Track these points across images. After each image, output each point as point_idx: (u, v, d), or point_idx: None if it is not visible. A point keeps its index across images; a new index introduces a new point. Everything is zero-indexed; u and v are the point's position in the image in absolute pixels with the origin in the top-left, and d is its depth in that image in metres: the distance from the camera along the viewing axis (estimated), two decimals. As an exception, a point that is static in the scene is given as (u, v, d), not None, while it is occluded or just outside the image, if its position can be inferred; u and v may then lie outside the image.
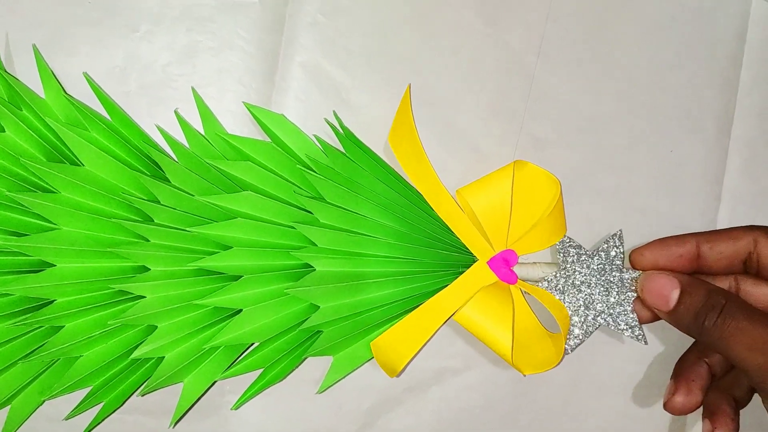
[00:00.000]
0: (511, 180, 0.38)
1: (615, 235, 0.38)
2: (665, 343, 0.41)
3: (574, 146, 0.40)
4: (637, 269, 0.38)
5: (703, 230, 0.39)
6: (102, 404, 0.36)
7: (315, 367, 0.39)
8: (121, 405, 0.36)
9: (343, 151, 0.38)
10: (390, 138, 0.39)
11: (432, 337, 0.38)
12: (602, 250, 0.38)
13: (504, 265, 0.39)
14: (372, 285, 0.37)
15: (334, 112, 0.39)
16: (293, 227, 0.36)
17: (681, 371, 0.37)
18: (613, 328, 0.38)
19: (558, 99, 0.40)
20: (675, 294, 0.35)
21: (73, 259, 0.35)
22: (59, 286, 0.34)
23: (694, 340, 0.38)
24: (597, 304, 0.38)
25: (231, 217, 0.36)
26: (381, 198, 0.38)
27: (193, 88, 0.38)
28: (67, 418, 0.36)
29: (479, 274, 0.38)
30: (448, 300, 0.38)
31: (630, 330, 0.38)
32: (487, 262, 0.39)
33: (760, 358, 0.32)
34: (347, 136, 0.38)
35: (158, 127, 0.36)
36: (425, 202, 0.38)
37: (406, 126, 0.38)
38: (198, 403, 0.39)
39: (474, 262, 0.38)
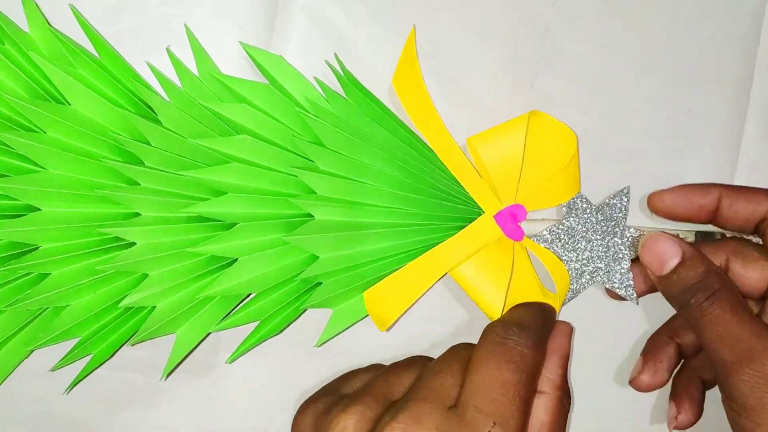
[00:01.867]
0: (525, 131, 0.36)
1: (622, 191, 0.37)
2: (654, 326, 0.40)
3: (586, 107, 0.39)
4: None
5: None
6: (90, 356, 0.34)
7: (313, 327, 0.37)
8: (111, 357, 0.35)
9: (345, 96, 0.36)
10: (394, 81, 0.37)
11: (428, 290, 0.37)
12: (607, 206, 0.37)
13: (511, 219, 0.37)
14: (373, 236, 0.35)
15: (335, 54, 0.37)
16: (292, 174, 0.34)
17: (651, 350, 0.37)
18: (607, 284, 0.37)
19: (572, 56, 0.38)
20: (673, 262, 0.34)
21: (59, 203, 0.33)
22: (45, 230, 0.33)
23: (666, 319, 0.38)
24: (595, 259, 0.37)
25: (226, 161, 0.34)
26: (384, 145, 0.36)
27: (186, 26, 0.36)
28: (53, 370, 0.35)
29: (484, 227, 0.37)
30: (448, 253, 0.36)
31: (624, 289, 0.37)
32: (493, 216, 0.37)
33: (727, 353, 0.31)
34: (349, 80, 0.36)
35: (149, 65, 0.35)
36: (430, 150, 0.37)
37: (410, 70, 0.37)
38: (192, 362, 0.37)
39: (480, 215, 0.37)
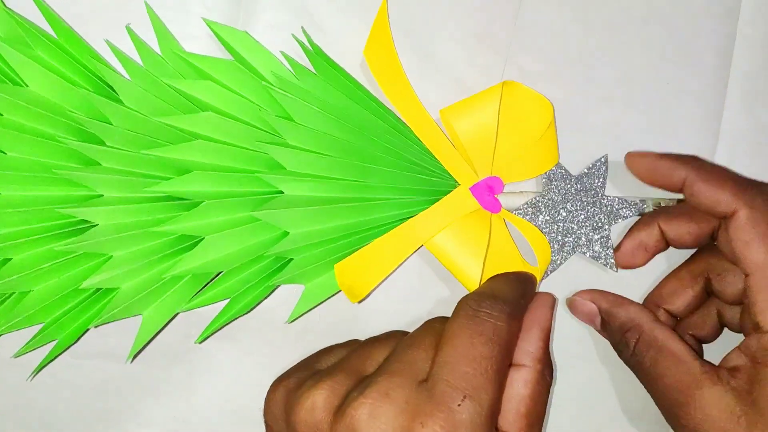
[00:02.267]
0: (499, 102, 0.36)
1: (600, 160, 0.37)
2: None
3: (563, 80, 0.38)
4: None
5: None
6: (55, 342, 0.34)
7: (287, 309, 0.36)
8: (76, 341, 0.34)
9: (313, 71, 0.35)
10: (366, 52, 0.36)
11: (402, 263, 0.36)
12: (586, 175, 0.37)
13: (488, 192, 0.36)
14: (345, 210, 0.34)
15: (302, 28, 0.36)
16: (259, 151, 0.34)
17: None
18: (587, 253, 0.37)
19: (547, 28, 0.38)
20: (597, 320, 0.36)
21: (18, 186, 0.32)
22: (4, 214, 0.32)
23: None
24: (575, 229, 0.37)
25: (190, 139, 0.33)
26: (354, 119, 0.35)
27: (146, 3, 0.35)
28: (16, 356, 0.34)
29: (460, 200, 0.36)
30: (423, 225, 0.35)
31: (604, 258, 0.37)
32: (469, 188, 0.36)
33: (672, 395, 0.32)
34: (317, 54, 0.35)
35: (108, 43, 0.34)
36: (403, 124, 0.36)
37: (383, 41, 0.36)
38: (164, 347, 0.37)
39: (456, 187, 0.36)
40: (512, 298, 0.32)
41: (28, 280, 0.33)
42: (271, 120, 0.34)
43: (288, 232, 0.34)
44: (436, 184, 0.36)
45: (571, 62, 0.38)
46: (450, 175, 0.36)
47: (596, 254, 0.37)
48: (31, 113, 0.32)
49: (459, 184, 0.36)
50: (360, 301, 0.36)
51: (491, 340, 0.29)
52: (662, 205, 0.37)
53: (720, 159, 0.39)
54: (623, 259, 0.37)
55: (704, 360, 0.32)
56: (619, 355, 0.35)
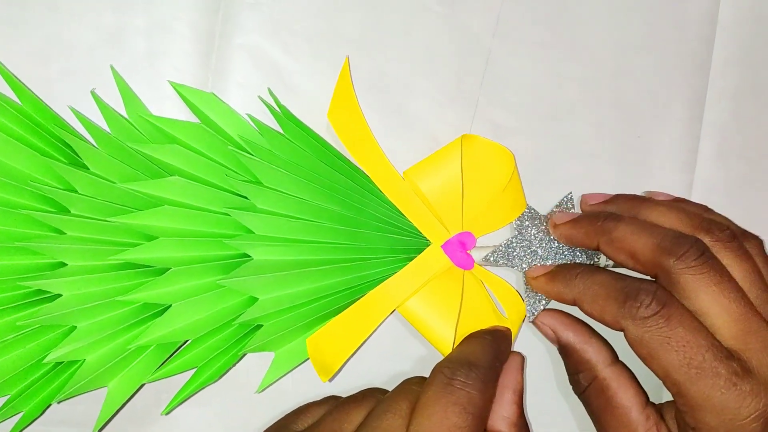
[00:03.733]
0: (460, 156, 0.35)
1: (566, 197, 0.37)
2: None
3: (535, 134, 0.38)
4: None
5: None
6: (21, 414, 0.33)
7: (256, 371, 0.36)
8: (42, 414, 0.33)
9: (281, 132, 0.35)
10: (330, 115, 0.36)
11: (375, 330, 0.36)
12: (554, 213, 0.37)
13: (460, 248, 0.36)
14: (315, 273, 0.34)
15: (269, 89, 0.36)
16: (227, 214, 0.33)
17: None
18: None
19: (518, 84, 0.38)
20: (556, 346, 0.36)
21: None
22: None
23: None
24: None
25: (157, 205, 0.33)
26: (323, 180, 0.35)
27: (112, 67, 0.35)
28: None
29: (432, 258, 0.36)
30: (396, 288, 0.35)
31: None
32: (441, 246, 0.36)
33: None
34: (285, 115, 0.35)
35: (72, 109, 0.33)
36: (372, 183, 0.36)
37: (346, 101, 0.36)
38: (133, 414, 0.36)
39: (427, 246, 0.36)
40: (486, 362, 0.32)
41: None
42: (239, 185, 0.33)
43: (257, 298, 0.33)
44: (408, 243, 0.36)
45: (542, 117, 0.38)
46: (422, 234, 0.36)
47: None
48: (-7, 182, 0.32)
49: (431, 243, 0.36)
50: (331, 379, 0.35)
51: (465, 410, 0.29)
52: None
53: (694, 211, 0.39)
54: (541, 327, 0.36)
55: (652, 410, 0.33)
56: (571, 386, 0.35)
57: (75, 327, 0.32)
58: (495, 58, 0.37)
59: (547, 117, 0.38)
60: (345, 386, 0.37)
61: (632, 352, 0.32)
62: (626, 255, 0.33)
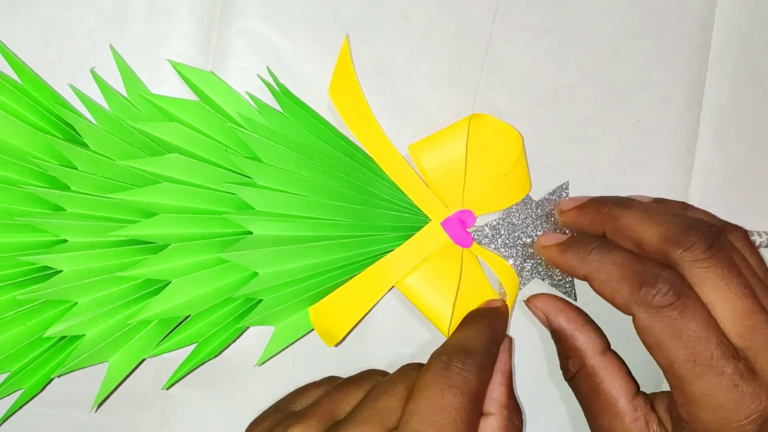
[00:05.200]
0: (467, 134, 0.36)
1: (562, 186, 0.37)
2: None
3: (534, 118, 0.38)
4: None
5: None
6: (21, 391, 0.33)
7: (256, 352, 0.36)
8: (41, 390, 0.33)
9: (280, 110, 0.35)
10: (330, 92, 0.36)
11: (376, 304, 0.36)
12: (547, 201, 0.37)
13: (459, 225, 0.36)
14: (315, 249, 0.34)
15: (267, 68, 0.36)
16: (227, 191, 0.33)
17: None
18: (546, 280, 0.37)
19: (517, 68, 0.38)
20: (548, 330, 0.36)
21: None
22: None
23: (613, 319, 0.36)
24: (535, 254, 0.37)
25: (156, 182, 0.33)
26: (323, 157, 0.35)
27: (111, 47, 0.35)
28: None
29: (432, 235, 0.36)
30: (395, 263, 0.35)
31: (563, 285, 0.37)
32: (441, 223, 0.36)
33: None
34: (284, 93, 0.35)
35: (72, 87, 0.34)
36: (372, 161, 0.36)
37: (346, 79, 0.36)
38: (133, 394, 0.36)
39: (427, 223, 0.36)
40: (482, 347, 0.32)
41: None
42: (239, 161, 0.34)
43: (257, 273, 0.34)
44: (408, 220, 0.36)
45: (542, 101, 0.38)
46: (421, 211, 0.36)
47: (555, 281, 0.37)
48: (-7, 159, 0.32)
49: (430, 220, 0.36)
50: (337, 344, 0.35)
51: (461, 392, 0.29)
52: None
53: (693, 195, 0.39)
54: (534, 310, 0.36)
55: (641, 401, 0.33)
56: (562, 371, 0.35)
57: (75, 303, 0.32)
58: (494, 43, 0.38)
59: (546, 101, 0.38)
60: (346, 370, 0.37)
61: (627, 340, 0.32)
62: (633, 244, 0.33)
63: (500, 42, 0.38)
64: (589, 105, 0.38)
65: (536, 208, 0.37)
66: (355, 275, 0.35)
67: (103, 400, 0.33)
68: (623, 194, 0.37)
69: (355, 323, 0.35)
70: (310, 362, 0.37)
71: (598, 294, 0.33)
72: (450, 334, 0.35)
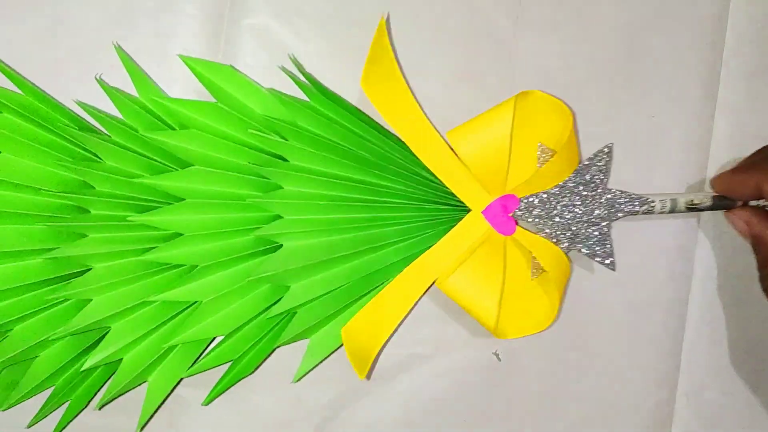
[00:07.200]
0: (512, 117, 0.33)
1: (602, 150, 0.34)
2: (651, 325, 0.38)
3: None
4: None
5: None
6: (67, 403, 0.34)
7: (275, 358, 0.36)
8: (87, 404, 0.34)
9: (307, 100, 0.33)
10: (363, 80, 0.33)
11: (410, 311, 0.34)
12: (585, 167, 0.34)
13: (502, 211, 0.34)
14: (349, 256, 0.33)
15: (290, 56, 0.34)
16: (252, 202, 0.32)
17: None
18: (583, 250, 0.35)
19: (531, 64, 0.37)
20: (749, 240, 0.35)
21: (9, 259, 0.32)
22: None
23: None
24: (572, 224, 0.35)
25: (178, 197, 0.32)
26: (354, 153, 0.33)
27: (118, 46, 0.33)
28: (30, 425, 0.34)
29: (472, 226, 0.34)
30: (434, 261, 0.33)
31: (601, 256, 0.35)
32: (482, 212, 0.34)
33: None
34: (312, 83, 0.32)
35: (80, 104, 0.32)
36: (405, 148, 0.34)
37: (384, 61, 0.33)
38: (142, 396, 0.35)
39: (467, 213, 0.34)
40: None
41: (32, 349, 0.32)
42: (264, 171, 0.32)
43: (288, 287, 0.33)
44: (447, 214, 0.34)
45: (556, 97, 0.37)
46: (462, 203, 0.34)
47: (593, 252, 0.35)
48: (5, 183, 0.32)
49: (470, 210, 0.34)
50: (368, 376, 0.35)
51: None
52: (695, 203, 0.35)
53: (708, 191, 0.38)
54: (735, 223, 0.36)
55: None
56: (759, 283, 0.35)
57: (109, 329, 0.32)
58: (506, 39, 0.37)
59: (559, 97, 0.37)
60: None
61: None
62: None
63: (512, 38, 0.37)
64: (602, 101, 0.37)
65: (573, 176, 0.34)
66: (391, 278, 0.34)
67: (147, 421, 0.34)
68: (635, 189, 0.37)
69: (387, 338, 0.34)
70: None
71: None
72: (499, 324, 0.33)
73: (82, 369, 0.32)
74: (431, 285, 0.34)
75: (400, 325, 0.35)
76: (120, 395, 0.33)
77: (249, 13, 0.35)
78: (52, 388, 0.33)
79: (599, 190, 0.35)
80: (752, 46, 0.38)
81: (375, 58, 0.33)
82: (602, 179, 0.35)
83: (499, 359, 0.37)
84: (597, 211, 0.35)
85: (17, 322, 0.32)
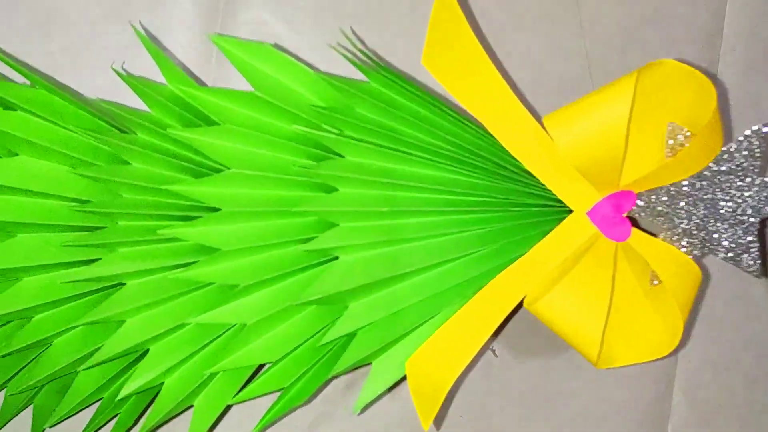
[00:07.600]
0: (632, 96, 0.26)
1: (757, 129, 0.27)
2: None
3: (542, 110, 0.36)
4: None
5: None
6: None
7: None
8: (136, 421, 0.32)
9: (367, 80, 0.28)
10: (426, 57, 0.27)
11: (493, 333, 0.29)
12: (731, 153, 0.28)
13: (613, 211, 0.27)
14: (418, 270, 0.27)
15: (341, 30, 0.29)
16: (301, 209, 0.27)
17: None
18: (720, 255, 0.29)
19: (524, 59, 0.36)
20: None
21: (34, 273, 0.29)
22: (27, 307, 0.29)
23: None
24: (708, 222, 0.28)
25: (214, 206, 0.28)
26: (422, 145, 0.27)
27: (135, 28, 0.30)
28: None
29: (574, 230, 0.27)
30: (522, 276, 0.27)
31: (745, 262, 0.28)
32: (587, 212, 0.27)
33: None
34: (372, 61, 0.27)
35: (105, 103, 0.29)
36: (487, 137, 0.28)
37: (456, 30, 0.27)
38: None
39: (567, 215, 0.28)
40: None
41: (71, 366, 0.30)
42: (315, 172, 0.27)
43: (346, 306, 0.28)
44: (542, 217, 0.28)
45: (549, 92, 0.36)
46: (560, 203, 0.28)
47: (737, 257, 0.28)
48: (25, 190, 0.29)
49: (571, 211, 0.28)
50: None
51: None
52: None
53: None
54: None
55: None
56: None
57: (147, 350, 0.29)
58: (501, 33, 0.37)
59: (554, 92, 0.37)
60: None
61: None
62: None
63: (507, 32, 0.37)
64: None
65: (716, 163, 0.28)
66: (469, 295, 0.28)
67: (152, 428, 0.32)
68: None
69: (465, 365, 0.28)
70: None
71: None
72: (601, 362, 0.27)
73: (118, 398, 0.29)
74: (519, 305, 0.28)
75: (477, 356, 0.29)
76: (164, 423, 0.31)
77: (244, 6, 0.35)
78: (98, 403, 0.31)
79: (748, 180, 0.28)
80: (749, 41, 0.38)
81: (441, 26, 0.27)
82: (754, 167, 0.28)
83: (495, 355, 0.37)
84: (742, 208, 0.28)
85: (56, 336, 0.30)
